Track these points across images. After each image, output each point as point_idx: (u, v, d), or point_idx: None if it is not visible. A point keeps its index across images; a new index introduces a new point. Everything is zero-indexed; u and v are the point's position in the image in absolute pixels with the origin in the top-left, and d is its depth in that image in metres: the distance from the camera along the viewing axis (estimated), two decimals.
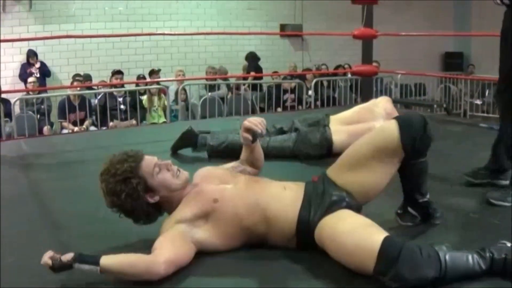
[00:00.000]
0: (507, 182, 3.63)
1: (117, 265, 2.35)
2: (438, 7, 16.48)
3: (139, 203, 2.62)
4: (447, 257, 2.27)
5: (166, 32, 11.83)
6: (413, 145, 2.65)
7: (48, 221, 3.23)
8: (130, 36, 11.14)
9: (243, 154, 3.12)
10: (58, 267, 2.33)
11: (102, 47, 11.57)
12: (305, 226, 2.59)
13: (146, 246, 2.55)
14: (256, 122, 2.91)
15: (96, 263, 2.32)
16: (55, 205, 3.56)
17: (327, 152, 4.53)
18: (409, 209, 2.95)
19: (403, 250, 2.24)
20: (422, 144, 2.68)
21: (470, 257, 2.31)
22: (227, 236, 2.62)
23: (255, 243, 2.68)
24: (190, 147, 4.73)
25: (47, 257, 2.33)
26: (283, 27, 13.95)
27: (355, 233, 2.42)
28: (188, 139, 4.74)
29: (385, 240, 2.29)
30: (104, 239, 2.85)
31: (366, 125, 4.55)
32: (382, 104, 4.86)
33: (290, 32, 13.91)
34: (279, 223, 2.62)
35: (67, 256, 2.32)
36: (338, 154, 2.94)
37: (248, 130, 2.94)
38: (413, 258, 2.24)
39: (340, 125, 4.74)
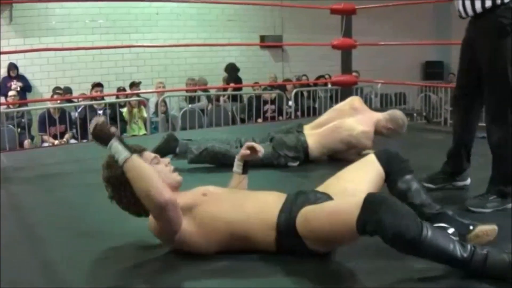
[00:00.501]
0: (464, 183, 3.96)
1: (142, 168, 2.49)
2: (418, 16, 16.58)
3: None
4: (428, 226, 2.30)
5: (146, 44, 11.81)
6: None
7: (28, 234, 3.21)
8: (110, 48, 11.11)
9: (232, 184, 3.16)
10: (100, 131, 2.52)
11: (82, 59, 11.53)
12: (286, 222, 2.61)
13: (129, 257, 2.55)
14: (259, 147, 3.05)
15: (130, 152, 2.50)
16: (35, 218, 3.53)
17: (304, 156, 4.71)
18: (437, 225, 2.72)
19: (387, 200, 2.32)
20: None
21: (451, 241, 2.33)
22: (208, 234, 2.64)
23: (235, 247, 2.69)
24: (170, 154, 4.73)
25: (100, 119, 2.56)
26: (263, 38, 13.94)
27: (339, 201, 2.64)
28: (170, 144, 4.75)
29: (369, 194, 2.37)
30: (85, 251, 2.85)
31: (333, 123, 4.82)
32: (348, 101, 5.05)
33: (270, 43, 13.90)
34: (259, 222, 2.64)
35: (114, 129, 2.49)
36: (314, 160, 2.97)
37: (251, 148, 3.05)
38: (396, 207, 2.30)
39: (312, 130, 4.89)
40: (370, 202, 2.31)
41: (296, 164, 4.70)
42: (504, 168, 3.53)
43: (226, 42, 13.04)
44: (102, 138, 2.55)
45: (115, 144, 2.53)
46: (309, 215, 2.55)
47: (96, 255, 2.79)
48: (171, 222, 2.55)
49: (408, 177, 2.89)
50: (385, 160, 2.92)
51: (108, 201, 2.75)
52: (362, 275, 2.48)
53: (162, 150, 4.69)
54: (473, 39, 3.58)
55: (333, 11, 8.17)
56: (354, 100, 5.06)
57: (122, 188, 2.66)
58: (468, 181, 4.02)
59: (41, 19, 11.18)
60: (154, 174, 2.50)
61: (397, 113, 4.87)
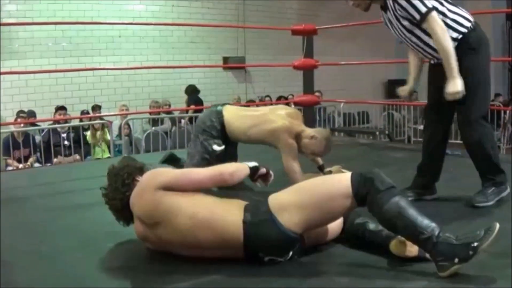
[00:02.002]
0: (433, 197, 4.17)
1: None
2: (380, 36, 16.67)
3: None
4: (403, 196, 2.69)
5: (109, 67, 11.81)
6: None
7: None
8: (74, 71, 11.07)
9: None
10: None
11: (46, 83, 11.48)
12: (253, 204, 2.78)
13: (94, 280, 2.54)
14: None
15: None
16: None
17: (221, 128, 4.60)
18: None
19: (373, 172, 2.74)
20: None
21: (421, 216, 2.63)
22: (181, 232, 2.79)
23: (205, 254, 2.81)
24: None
25: None
26: (226, 59, 14.03)
27: (323, 183, 2.83)
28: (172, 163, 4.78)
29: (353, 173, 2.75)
30: (48, 275, 2.85)
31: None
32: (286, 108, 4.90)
33: (233, 64, 13.96)
34: (225, 222, 2.75)
35: None
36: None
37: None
38: (380, 175, 2.75)
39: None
40: (361, 177, 2.73)
41: (220, 148, 4.56)
42: (487, 162, 3.89)
43: (189, 64, 13.10)
44: None
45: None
46: (291, 195, 2.78)
47: (60, 279, 2.79)
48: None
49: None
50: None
51: (71, 225, 2.77)
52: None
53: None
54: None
55: (294, 32, 8.29)
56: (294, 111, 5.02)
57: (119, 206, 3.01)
58: (436, 195, 4.20)
59: (5, 42, 11.10)
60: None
61: (325, 130, 4.86)
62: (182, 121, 11.40)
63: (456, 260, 2.52)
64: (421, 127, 13.60)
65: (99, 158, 9.50)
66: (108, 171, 3.07)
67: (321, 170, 4.97)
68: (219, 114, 4.61)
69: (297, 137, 4.55)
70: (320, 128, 4.90)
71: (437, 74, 3.93)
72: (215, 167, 2.97)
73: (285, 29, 8.83)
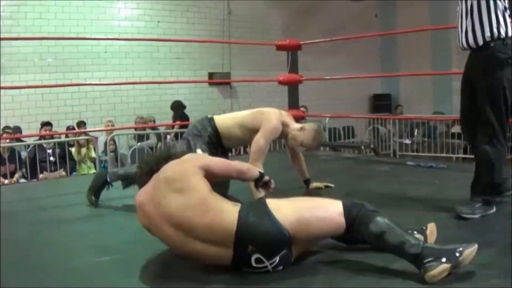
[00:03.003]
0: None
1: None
2: (365, 51, 16.89)
3: None
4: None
5: (95, 82, 11.79)
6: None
7: None
8: (59, 87, 11.05)
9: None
10: None
11: (31, 98, 11.43)
12: (249, 209, 2.84)
13: None
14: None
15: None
16: None
17: (215, 134, 4.70)
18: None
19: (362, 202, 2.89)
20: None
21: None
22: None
23: (195, 248, 2.84)
24: (104, 187, 4.77)
25: None
26: (211, 75, 14.05)
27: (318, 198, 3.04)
28: (99, 180, 4.79)
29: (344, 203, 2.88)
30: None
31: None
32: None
33: (219, 80, 13.97)
34: (223, 209, 2.84)
35: None
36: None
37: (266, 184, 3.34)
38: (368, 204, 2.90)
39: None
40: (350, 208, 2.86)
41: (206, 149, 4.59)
42: (487, 178, 3.86)
43: (175, 80, 13.12)
44: None
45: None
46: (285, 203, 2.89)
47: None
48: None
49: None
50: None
51: (57, 238, 2.75)
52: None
53: (96, 189, 4.72)
54: (471, 71, 3.91)
55: (279, 48, 8.34)
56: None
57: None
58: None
59: None
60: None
61: (314, 123, 4.83)
62: (168, 136, 11.39)
63: (444, 259, 2.57)
64: (407, 140, 13.72)
65: (84, 174, 9.45)
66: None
67: (306, 184, 4.98)
68: (211, 120, 4.76)
69: (286, 128, 4.64)
70: (310, 123, 4.88)
71: (464, 80, 3.98)
72: (236, 161, 3.23)
73: (269, 44, 8.87)
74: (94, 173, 9.28)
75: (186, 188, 2.86)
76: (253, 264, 2.78)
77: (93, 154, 9.82)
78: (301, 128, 4.59)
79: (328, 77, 10.96)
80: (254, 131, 4.57)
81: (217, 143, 4.72)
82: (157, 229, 2.92)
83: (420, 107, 16.29)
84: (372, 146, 11.23)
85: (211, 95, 14.41)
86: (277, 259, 2.79)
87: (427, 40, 15.75)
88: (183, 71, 13.56)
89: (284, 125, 4.62)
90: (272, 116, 4.56)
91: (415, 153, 12.97)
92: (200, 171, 2.95)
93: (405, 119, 14.32)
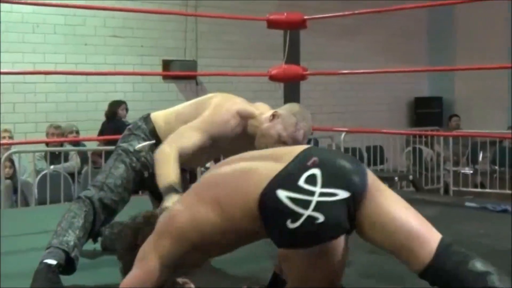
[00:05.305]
0: None
1: None
2: (403, 31, 16.86)
3: None
4: None
5: None
6: None
7: None
8: None
9: None
10: None
11: None
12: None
13: None
14: None
15: None
16: None
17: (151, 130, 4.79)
18: None
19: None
20: None
21: None
22: None
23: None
24: None
25: None
26: (167, 64, 14.10)
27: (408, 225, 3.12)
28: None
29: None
30: None
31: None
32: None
33: (179, 72, 13.96)
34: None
35: None
36: None
37: None
38: None
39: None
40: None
41: (142, 144, 4.73)
42: None
43: (110, 70, 13.03)
44: None
45: None
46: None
47: None
48: None
49: None
50: None
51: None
52: None
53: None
54: None
55: (272, 24, 8.21)
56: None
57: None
58: None
59: None
60: None
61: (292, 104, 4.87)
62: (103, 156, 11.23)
63: None
64: (466, 169, 13.68)
65: None
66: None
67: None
68: (146, 117, 4.88)
69: (249, 123, 4.59)
70: (286, 104, 4.86)
71: None
72: None
73: (257, 19, 8.80)
74: None
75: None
76: (301, 182, 2.94)
77: None
78: (273, 116, 4.49)
79: (345, 71, 10.93)
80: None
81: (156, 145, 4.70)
82: None
83: (488, 118, 16.28)
84: (411, 177, 11.18)
85: (166, 95, 14.32)
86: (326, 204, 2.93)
87: (501, 17, 15.72)
88: (123, 57, 13.55)
89: (244, 117, 4.57)
90: (223, 103, 4.57)
91: (479, 189, 12.93)
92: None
93: (464, 137, 14.24)
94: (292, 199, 2.89)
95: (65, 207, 8.19)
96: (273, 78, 8.21)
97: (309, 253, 2.91)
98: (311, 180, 2.91)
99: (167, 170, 4.17)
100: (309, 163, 2.96)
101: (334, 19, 9.28)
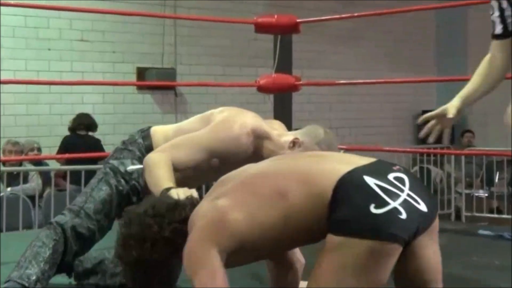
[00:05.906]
0: None
1: None
2: (409, 37, 16.87)
3: None
4: None
5: None
6: None
7: None
8: None
9: None
10: None
11: None
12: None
13: None
14: None
15: None
16: None
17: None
18: None
19: None
20: None
21: None
22: None
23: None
24: None
25: None
26: (142, 72, 14.08)
27: None
28: None
29: None
30: None
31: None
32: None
33: (154, 82, 13.81)
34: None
35: None
36: None
37: None
38: None
39: None
40: None
41: (136, 167, 4.68)
42: None
43: (78, 80, 12.96)
44: None
45: None
46: None
47: None
48: None
49: None
50: None
51: None
52: None
53: None
54: None
55: (260, 28, 8.18)
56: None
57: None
58: None
59: None
60: None
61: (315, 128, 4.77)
62: (68, 177, 11.10)
63: None
64: (481, 192, 13.63)
65: None
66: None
67: None
68: (144, 131, 4.89)
69: (262, 144, 4.55)
70: (308, 127, 4.75)
71: None
72: None
73: (244, 22, 8.73)
74: None
75: None
76: (390, 177, 3.19)
77: None
78: (293, 143, 4.47)
79: (343, 81, 10.83)
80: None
81: None
82: None
83: (505, 134, 16.17)
84: None
85: (141, 107, 14.36)
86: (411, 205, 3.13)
87: None
88: (92, 64, 13.56)
89: (259, 136, 4.52)
90: (234, 117, 4.54)
91: (494, 215, 12.94)
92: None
93: (478, 155, 14.20)
94: (381, 187, 3.10)
95: (23, 235, 8.26)
96: (261, 88, 8.23)
97: (367, 250, 3.02)
98: (400, 180, 3.16)
99: (159, 173, 4.17)
100: (395, 168, 3.24)
101: (331, 22, 9.20)
